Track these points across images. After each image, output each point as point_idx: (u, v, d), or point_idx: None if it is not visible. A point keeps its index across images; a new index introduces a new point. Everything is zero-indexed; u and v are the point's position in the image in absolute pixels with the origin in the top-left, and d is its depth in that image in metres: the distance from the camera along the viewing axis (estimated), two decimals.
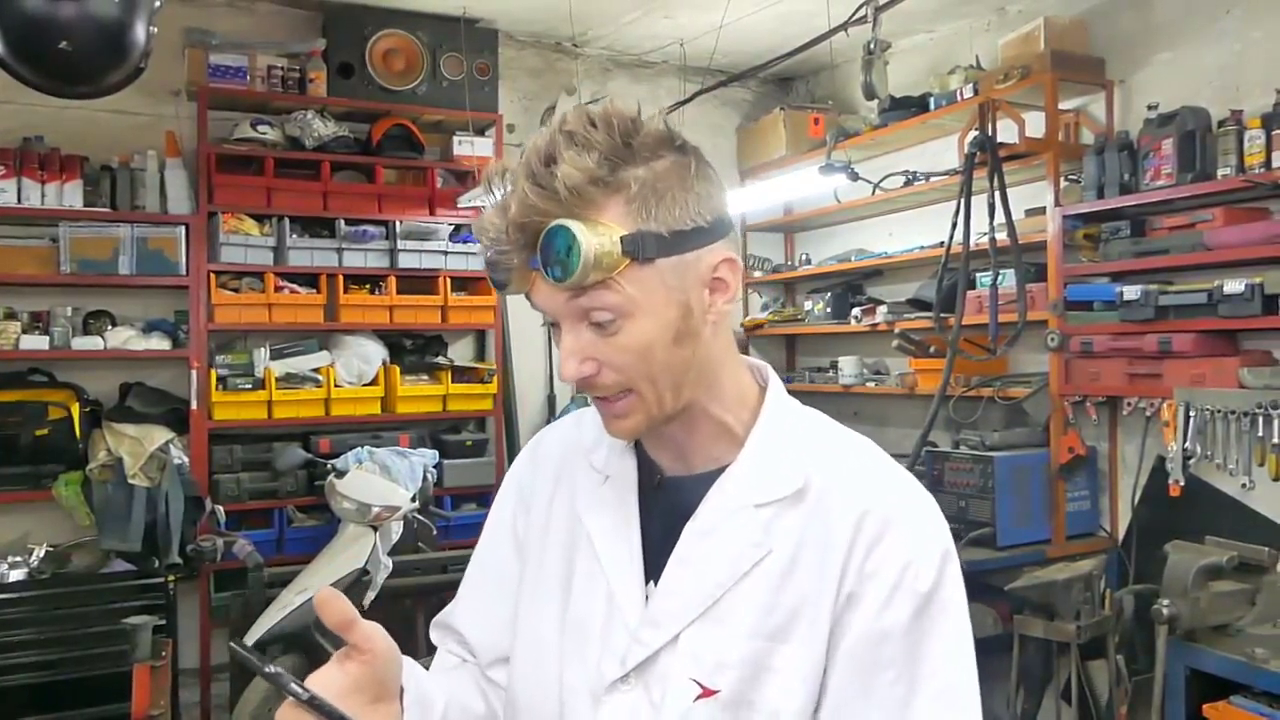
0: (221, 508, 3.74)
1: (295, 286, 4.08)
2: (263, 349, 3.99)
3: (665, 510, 0.96)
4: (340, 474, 3.62)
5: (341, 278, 4.08)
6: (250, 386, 3.92)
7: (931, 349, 3.88)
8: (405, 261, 4.20)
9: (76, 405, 3.65)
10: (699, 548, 0.92)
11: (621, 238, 0.84)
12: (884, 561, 0.87)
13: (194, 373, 3.83)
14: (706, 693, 0.88)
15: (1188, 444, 2.93)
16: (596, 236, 0.83)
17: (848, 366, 4.43)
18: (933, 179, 3.97)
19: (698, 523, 0.93)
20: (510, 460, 4.54)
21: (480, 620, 1.06)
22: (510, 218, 0.85)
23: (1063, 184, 3.48)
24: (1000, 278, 3.48)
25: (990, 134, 3.46)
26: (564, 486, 1.03)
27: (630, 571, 0.94)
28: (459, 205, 4.24)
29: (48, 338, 3.67)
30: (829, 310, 4.59)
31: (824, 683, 0.88)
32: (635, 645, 0.91)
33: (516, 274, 0.88)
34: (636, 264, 0.85)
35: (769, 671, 0.88)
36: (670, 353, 0.89)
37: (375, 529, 3.52)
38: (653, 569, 0.94)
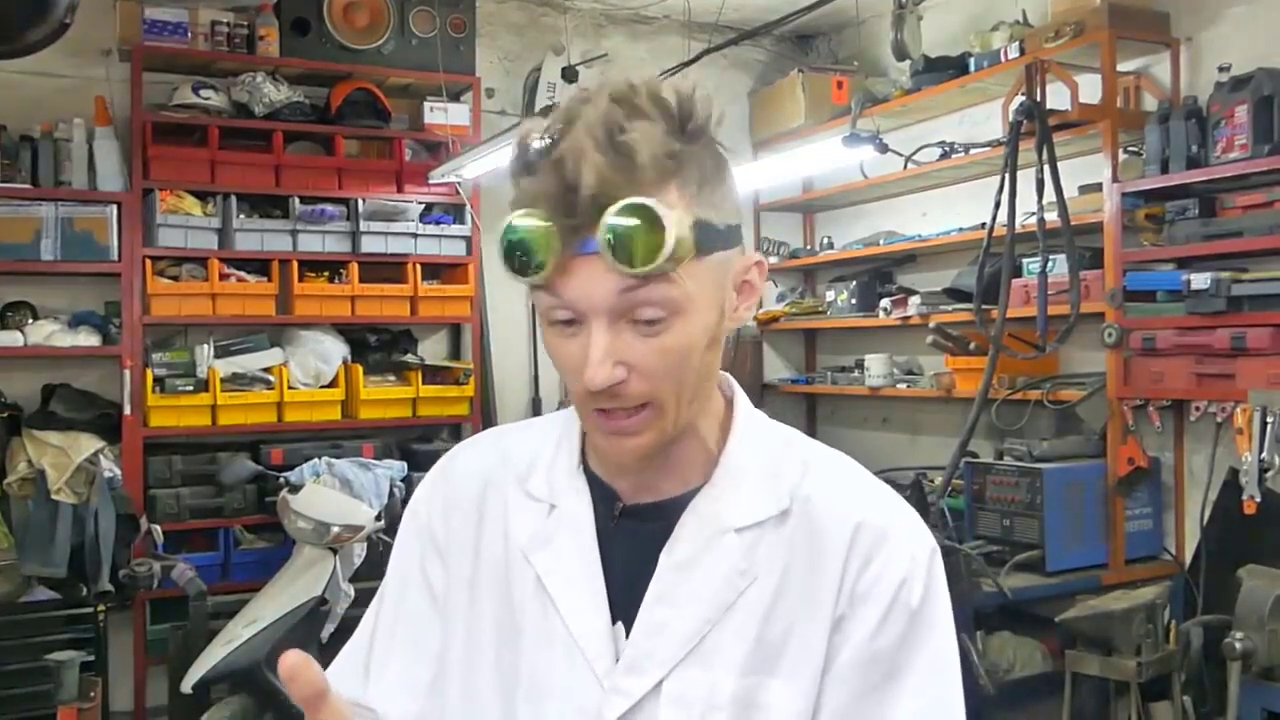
0: (159, 527, 3.73)
1: (243, 274, 4.07)
2: (206, 346, 3.98)
3: (629, 542, 0.96)
4: (295, 489, 3.61)
5: (296, 264, 4.08)
6: (191, 389, 3.92)
7: (971, 346, 3.88)
8: (369, 245, 4.20)
9: None
10: (680, 581, 0.93)
11: (692, 224, 0.85)
12: (880, 579, 0.93)
13: (127, 373, 3.82)
14: None
15: (1264, 454, 2.92)
16: (675, 220, 0.84)
17: (875, 366, 4.44)
18: (973, 151, 3.97)
19: (675, 553, 0.94)
20: None
21: (398, 693, 1.01)
22: (584, 190, 0.82)
23: (1121, 157, 3.47)
24: (1050, 264, 3.48)
25: (1038, 99, 3.45)
26: (492, 523, 1.00)
27: (595, 615, 0.94)
28: (430, 181, 4.24)
29: None
30: (854, 301, 4.59)
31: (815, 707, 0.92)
32: (615, 697, 0.91)
33: (556, 259, 0.85)
34: (697, 256, 0.87)
35: (758, 709, 0.91)
36: (702, 359, 0.91)
37: (335, 552, 3.52)
38: (620, 610, 0.94)
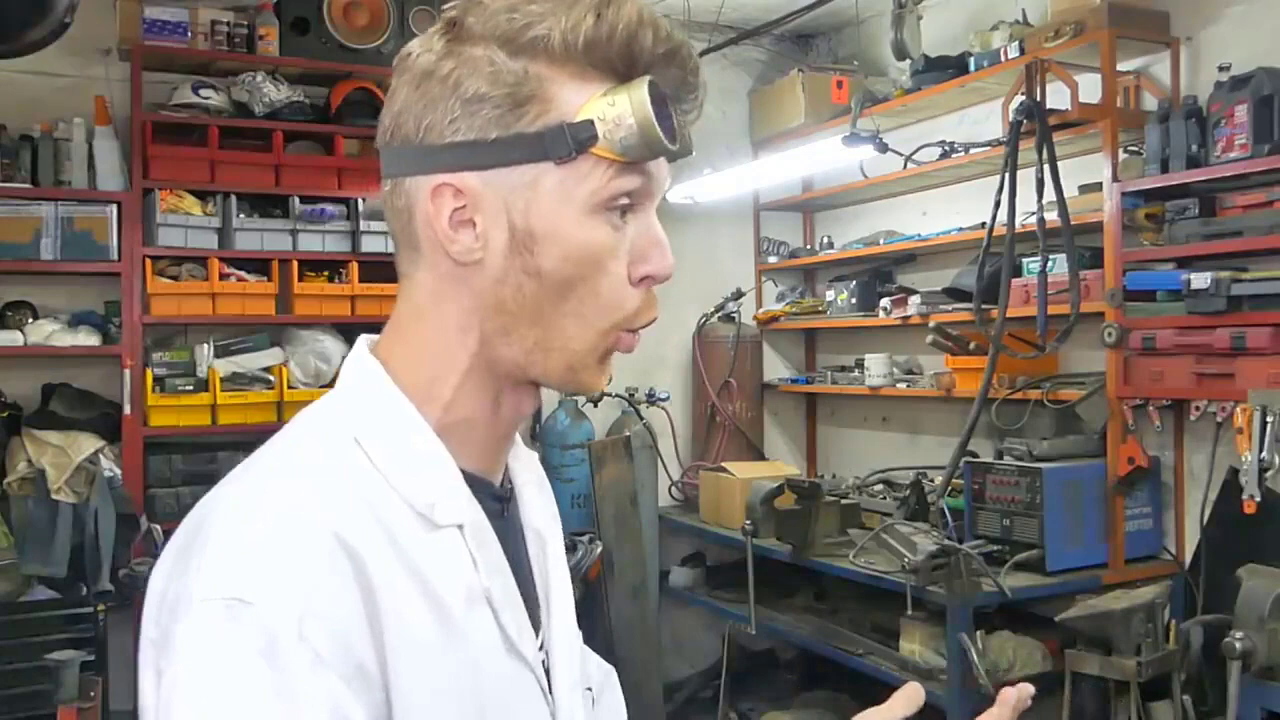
0: (159, 527, 3.72)
1: (243, 274, 4.07)
2: (206, 345, 3.98)
3: (511, 534, 0.90)
4: None
5: (296, 264, 4.08)
6: (191, 388, 3.92)
7: (971, 345, 3.87)
8: (369, 245, 4.20)
9: None
10: (551, 557, 0.95)
11: None
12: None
13: (127, 372, 3.82)
14: (592, 695, 0.98)
15: (1264, 454, 2.92)
16: None
17: (875, 365, 4.43)
18: (973, 151, 3.97)
19: (542, 530, 0.95)
20: None
21: None
22: (699, 73, 0.85)
23: (1121, 156, 3.47)
24: (1050, 264, 3.48)
25: (1038, 99, 3.45)
26: (407, 581, 0.77)
27: (529, 629, 0.87)
28: None
29: None
30: (854, 301, 4.59)
31: None
32: (571, 695, 0.91)
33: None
34: None
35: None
36: None
37: None
38: (528, 609, 0.88)
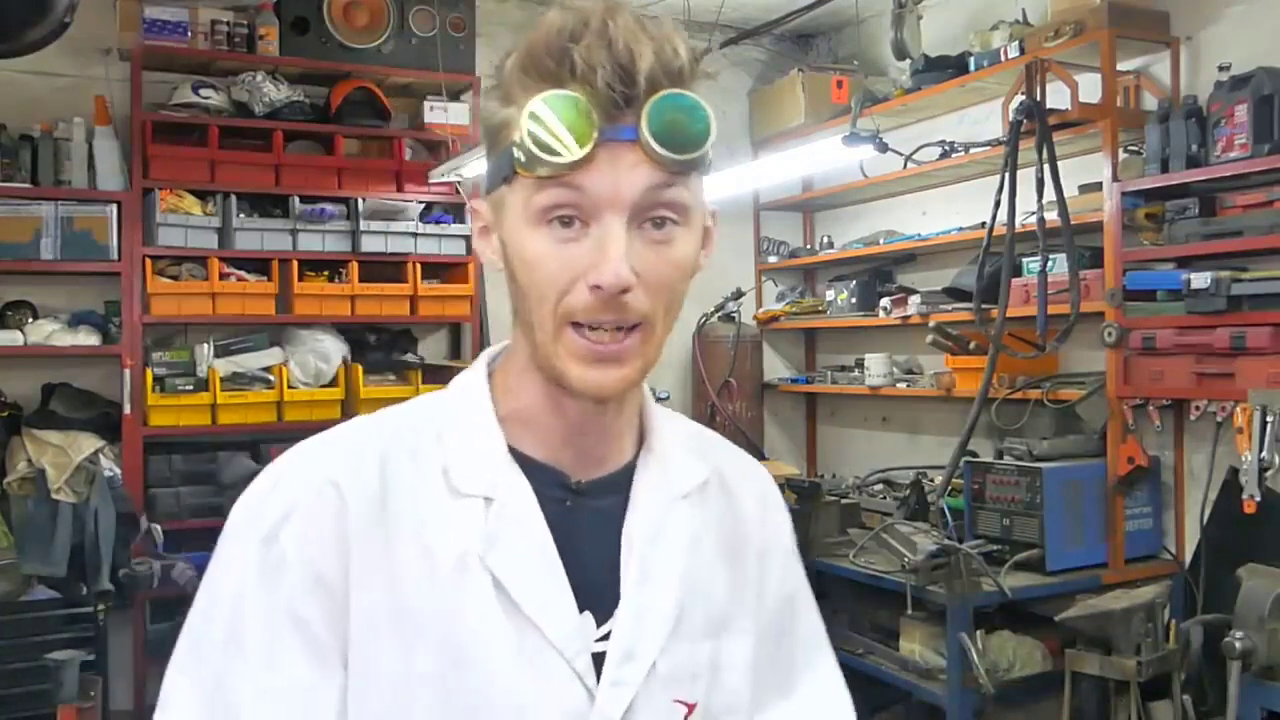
0: (159, 526, 3.73)
1: (243, 273, 4.07)
2: (205, 345, 3.99)
3: (582, 524, 0.93)
4: None
5: (296, 263, 4.08)
6: (191, 388, 3.92)
7: (971, 345, 3.87)
8: (369, 245, 4.20)
9: None
10: (651, 556, 0.94)
11: None
12: (777, 534, 1.07)
13: (127, 372, 3.82)
14: (689, 709, 0.94)
15: (1264, 453, 2.92)
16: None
17: (875, 365, 4.44)
18: (973, 150, 3.97)
19: (643, 529, 0.95)
20: None
21: None
22: (640, 69, 0.80)
23: (1121, 156, 3.47)
24: (1050, 263, 3.48)
25: (1038, 99, 3.45)
26: (406, 539, 0.89)
27: (566, 613, 0.90)
28: (431, 180, 4.24)
29: None
30: (854, 301, 4.59)
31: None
32: (614, 690, 0.90)
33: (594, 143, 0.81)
34: (703, 169, 0.87)
35: (723, 669, 0.97)
36: (685, 286, 0.91)
37: None
38: (584, 597, 0.91)
